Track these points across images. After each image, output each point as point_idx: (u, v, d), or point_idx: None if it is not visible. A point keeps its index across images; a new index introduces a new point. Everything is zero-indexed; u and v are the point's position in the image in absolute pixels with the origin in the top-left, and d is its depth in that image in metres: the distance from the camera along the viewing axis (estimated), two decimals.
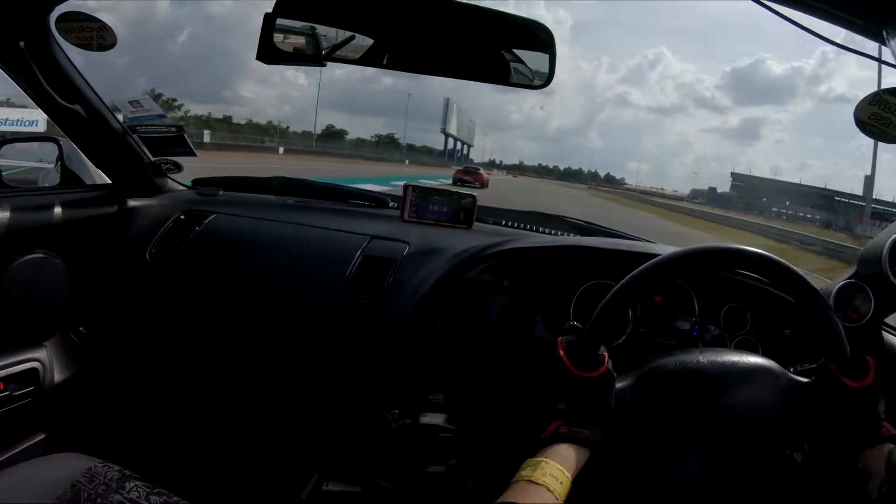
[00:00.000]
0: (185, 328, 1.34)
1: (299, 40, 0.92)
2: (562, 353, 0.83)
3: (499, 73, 0.95)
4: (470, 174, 27.44)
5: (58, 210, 1.29)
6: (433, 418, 1.15)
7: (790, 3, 0.74)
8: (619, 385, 0.85)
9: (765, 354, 1.19)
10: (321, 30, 0.93)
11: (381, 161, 50.52)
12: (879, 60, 0.91)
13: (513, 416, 1.15)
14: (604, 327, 0.87)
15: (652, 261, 0.87)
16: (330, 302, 1.25)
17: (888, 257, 1.10)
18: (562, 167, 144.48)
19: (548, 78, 0.91)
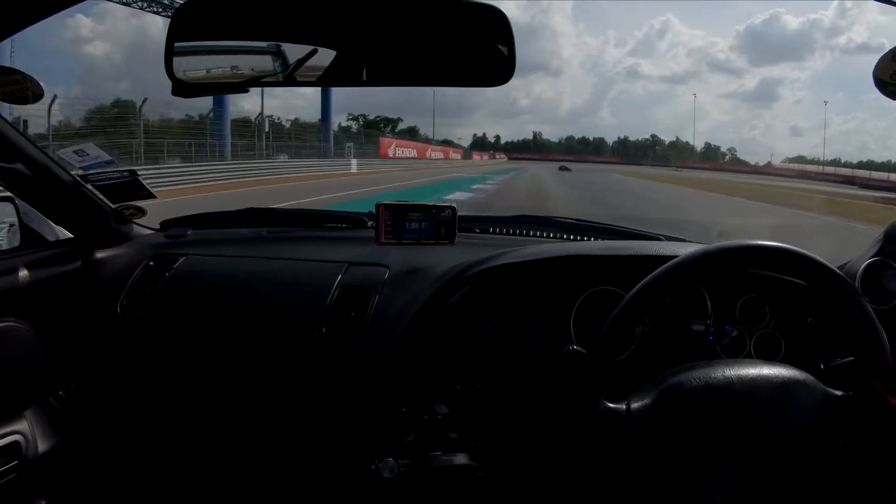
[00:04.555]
0: (163, 381, 1.19)
1: (212, 65, 0.74)
2: None
3: (452, 72, 0.75)
4: None
5: (21, 273, 1.13)
6: (435, 462, 0.99)
7: None
8: (634, 405, 0.71)
9: (789, 348, 1.01)
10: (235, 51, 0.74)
11: None
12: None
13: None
14: (610, 354, 0.74)
15: (662, 268, 0.73)
16: (309, 341, 1.08)
17: None
18: (609, 141, 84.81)
19: (509, 71, 0.71)
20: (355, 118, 47.39)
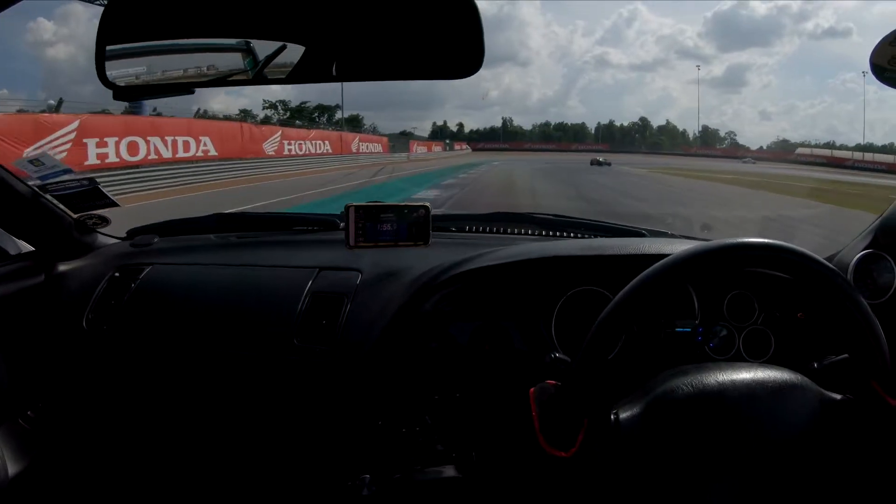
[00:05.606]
0: (133, 397, 1.14)
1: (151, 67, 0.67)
2: (535, 418, 0.62)
3: (421, 65, 0.70)
4: None
5: None
6: (414, 476, 0.94)
7: None
8: (623, 414, 0.67)
9: (779, 344, 0.98)
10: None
11: None
12: None
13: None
14: (598, 363, 0.68)
15: (652, 268, 0.69)
16: (279, 352, 1.03)
17: None
18: (591, 126, 75.77)
19: (478, 61, 0.65)
20: (272, 105, 38.44)
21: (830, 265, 0.70)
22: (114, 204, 1.21)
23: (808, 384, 0.67)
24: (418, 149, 39.93)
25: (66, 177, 1.14)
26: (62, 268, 1.21)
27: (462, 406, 0.98)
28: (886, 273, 0.96)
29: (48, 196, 1.16)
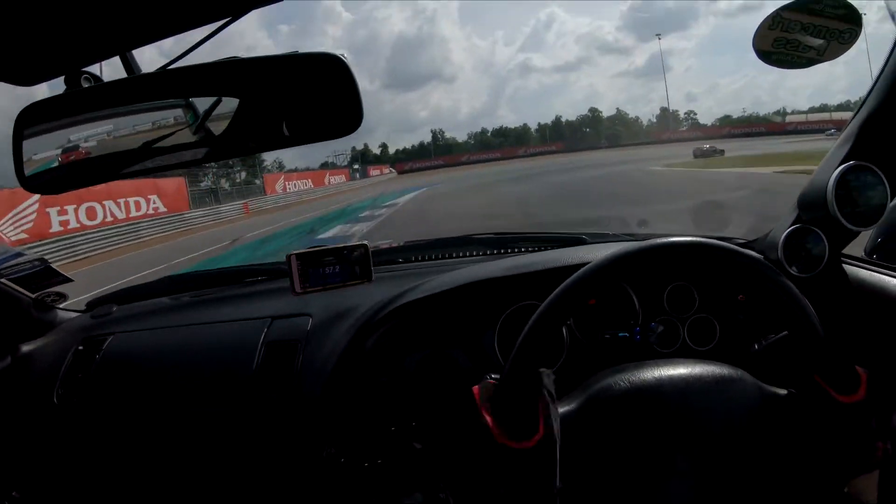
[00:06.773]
0: (109, 463, 1.16)
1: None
2: (486, 416, 0.64)
3: (304, 130, 0.73)
4: None
5: None
6: None
7: None
8: (561, 409, 0.68)
9: (724, 329, 1.01)
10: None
11: None
12: None
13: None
14: (529, 367, 0.69)
15: (562, 286, 0.70)
16: (241, 407, 1.05)
17: (834, 200, 0.90)
18: (532, 128, 71.73)
19: (357, 116, 0.69)
20: None
21: (751, 254, 0.72)
22: (67, 280, 1.24)
23: (747, 378, 0.68)
24: (285, 186, 26.61)
25: (17, 260, 1.17)
26: (26, 348, 1.24)
27: (419, 433, 1.00)
28: (818, 244, 1.00)
29: (3, 280, 1.19)
